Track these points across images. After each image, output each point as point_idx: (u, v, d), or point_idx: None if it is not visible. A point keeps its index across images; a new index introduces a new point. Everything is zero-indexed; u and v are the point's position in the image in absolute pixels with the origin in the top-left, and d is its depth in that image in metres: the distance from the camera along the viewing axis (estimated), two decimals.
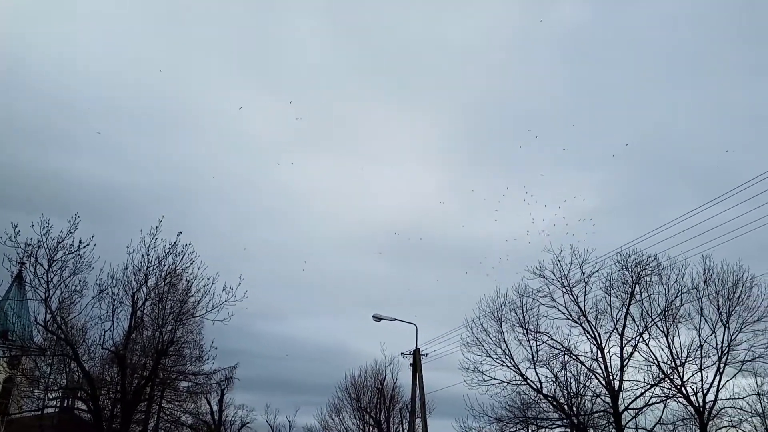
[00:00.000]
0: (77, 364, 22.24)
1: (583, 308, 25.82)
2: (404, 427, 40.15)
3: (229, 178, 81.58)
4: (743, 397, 24.35)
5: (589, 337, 25.82)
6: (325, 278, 79.61)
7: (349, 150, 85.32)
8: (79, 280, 21.45)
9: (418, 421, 32.56)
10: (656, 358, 24.92)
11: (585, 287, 25.84)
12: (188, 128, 78.22)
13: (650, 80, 65.64)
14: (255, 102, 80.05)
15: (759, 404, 25.59)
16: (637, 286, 25.15)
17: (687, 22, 64.74)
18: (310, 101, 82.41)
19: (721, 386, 23.81)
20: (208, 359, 27.42)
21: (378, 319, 32.09)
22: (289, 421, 52.98)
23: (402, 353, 33.20)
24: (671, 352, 24.65)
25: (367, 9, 77.18)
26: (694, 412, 24.09)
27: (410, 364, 32.31)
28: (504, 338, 27.03)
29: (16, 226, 20.43)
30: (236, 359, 36.35)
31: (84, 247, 21.17)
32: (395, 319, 32.09)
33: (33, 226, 20.58)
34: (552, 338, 26.31)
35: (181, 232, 23.08)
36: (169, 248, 22.93)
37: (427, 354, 32.53)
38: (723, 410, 24.40)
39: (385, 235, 78.88)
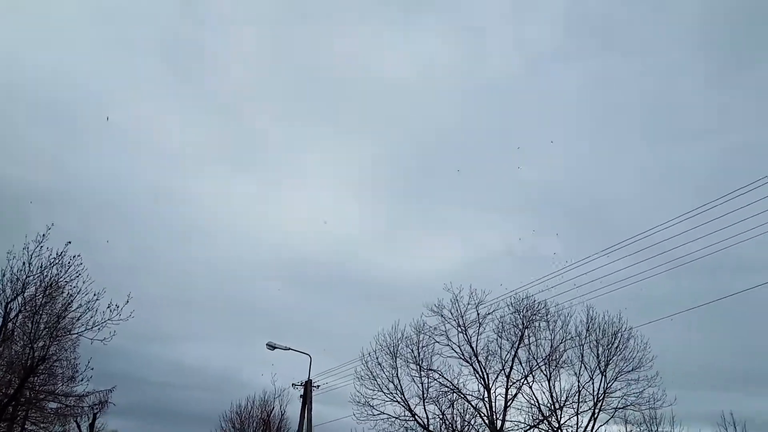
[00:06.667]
0: None
1: (474, 348, 26.67)
2: None
3: (137, 187, 76.76)
4: None
5: (478, 377, 26.66)
6: (219, 302, 76.32)
7: (264, 169, 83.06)
8: None
9: None
10: (538, 401, 26.08)
11: (479, 328, 26.74)
12: (95, 132, 73.21)
13: (564, 134, 69.41)
14: (177, 109, 76.67)
15: None
16: (526, 330, 26.34)
17: (607, 85, 69.52)
18: (235, 116, 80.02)
19: (594, 431, 25.18)
20: (82, 380, 25.39)
21: (272, 347, 31.32)
22: None
23: (293, 384, 32.56)
24: (552, 396, 25.89)
25: (303, 31, 76.81)
26: None
27: (300, 396, 31.75)
28: (397, 374, 27.34)
29: None
30: (115, 382, 33.89)
31: None
32: (289, 349, 31.46)
33: None
34: (443, 376, 26.93)
35: (69, 242, 21.46)
36: (55, 258, 21.26)
37: (318, 386, 32.07)
38: None
39: (288, 262, 76.92)
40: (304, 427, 30.67)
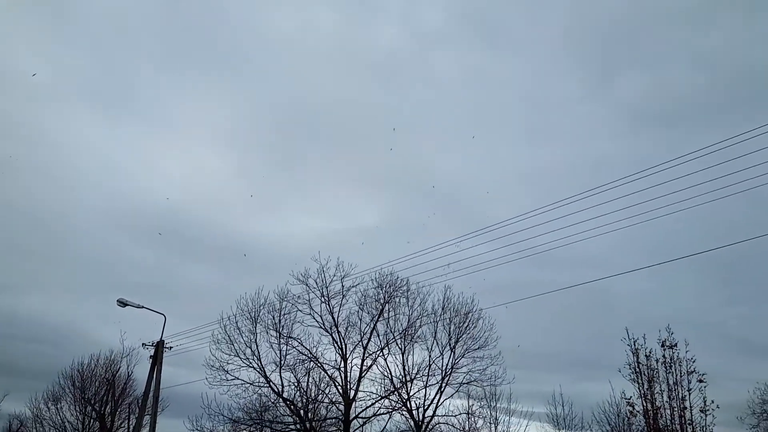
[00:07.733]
0: None
1: (336, 319, 27.02)
2: (131, 422, 37.55)
3: None
4: (456, 415, 27.50)
5: (336, 347, 27.07)
6: (65, 253, 70.41)
7: (130, 116, 76.46)
8: None
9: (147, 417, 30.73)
10: (391, 373, 27.09)
11: (342, 299, 27.11)
12: None
13: (439, 121, 71.13)
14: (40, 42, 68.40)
15: (467, 423, 29.29)
16: (387, 305, 27.13)
17: (484, 79, 71.80)
18: (105, 55, 72.92)
19: (439, 403, 26.64)
20: None
21: (123, 304, 29.54)
22: None
23: (144, 344, 31.09)
24: (404, 369, 27.02)
25: None
26: (413, 425, 26.52)
27: (150, 356, 30.44)
28: (256, 339, 27.01)
29: None
30: None
31: None
32: (143, 307, 29.91)
33: None
34: (302, 344, 27.02)
35: None
36: None
37: (171, 347, 30.92)
38: (437, 425, 27.18)
39: (148, 216, 71.94)
40: (151, 389, 29.51)
